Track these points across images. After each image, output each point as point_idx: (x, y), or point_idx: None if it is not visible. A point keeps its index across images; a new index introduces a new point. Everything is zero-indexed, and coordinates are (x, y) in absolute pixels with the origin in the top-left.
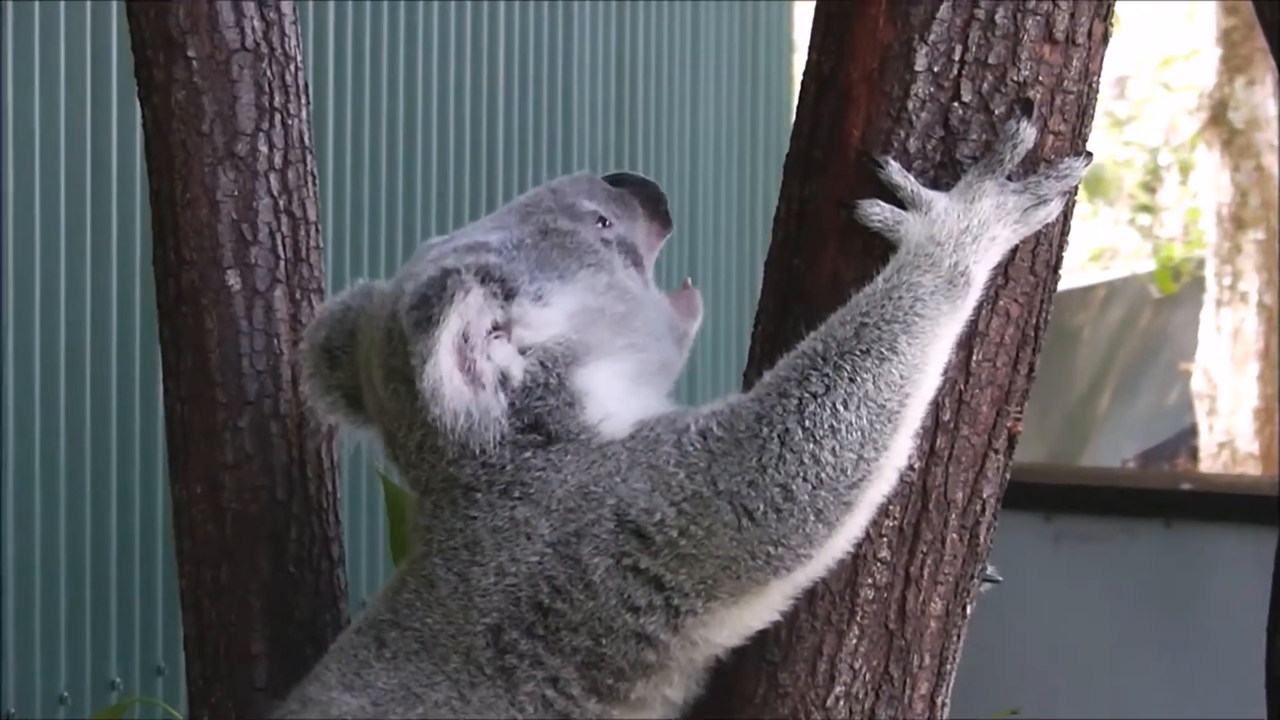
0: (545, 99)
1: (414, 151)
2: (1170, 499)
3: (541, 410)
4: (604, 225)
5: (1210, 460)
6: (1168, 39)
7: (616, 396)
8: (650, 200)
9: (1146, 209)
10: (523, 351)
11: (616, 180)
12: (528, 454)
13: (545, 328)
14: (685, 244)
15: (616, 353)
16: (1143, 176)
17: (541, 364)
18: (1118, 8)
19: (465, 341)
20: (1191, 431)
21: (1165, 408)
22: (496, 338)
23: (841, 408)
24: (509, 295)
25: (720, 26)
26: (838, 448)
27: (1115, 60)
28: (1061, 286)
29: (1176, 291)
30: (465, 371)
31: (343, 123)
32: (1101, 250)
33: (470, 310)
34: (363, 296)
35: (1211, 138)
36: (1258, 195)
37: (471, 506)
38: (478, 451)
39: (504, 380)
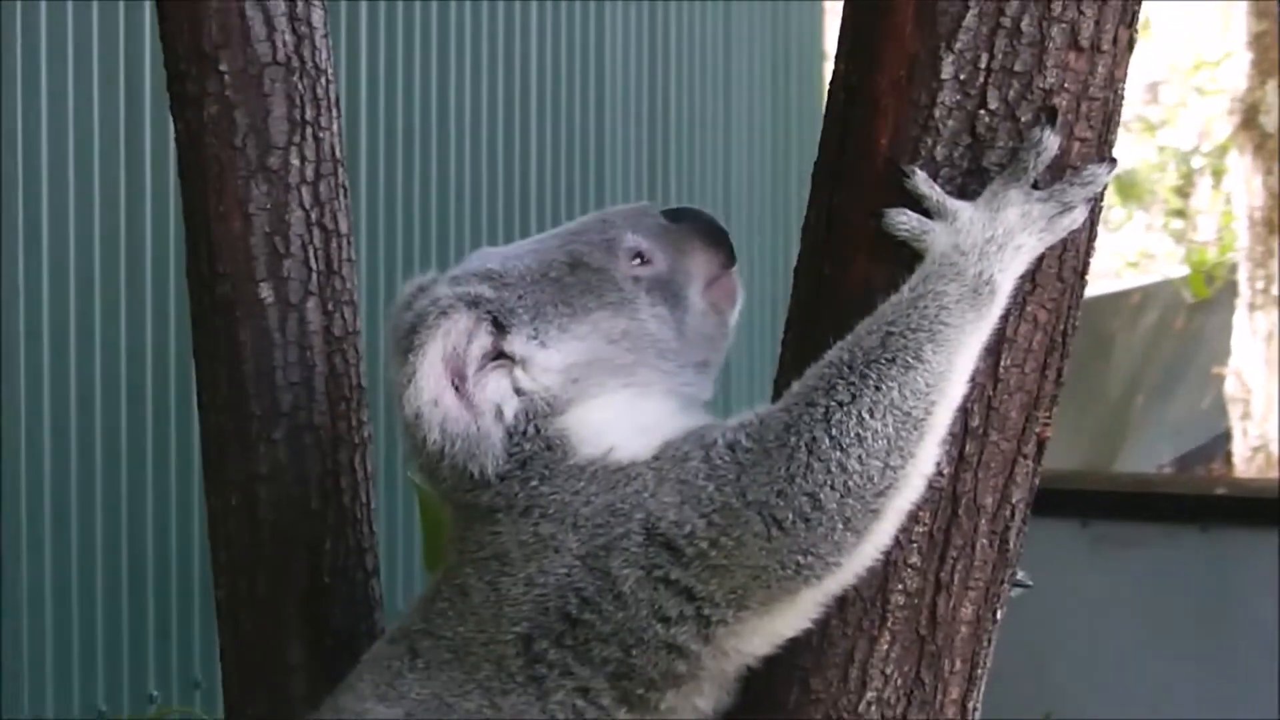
0: (578, 109)
1: (447, 163)
2: (1206, 504)
3: (523, 455)
4: (641, 262)
5: (1245, 464)
6: (1200, 43)
7: (617, 428)
8: (709, 235)
9: (1180, 214)
10: (518, 392)
11: (676, 215)
12: (534, 483)
13: (542, 374)
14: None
15: (611, 391)
16: (1176, 181)
17: (525, 412)
18: (1150, 12)
19: (456, 366)
20: (1227, 436)
21: (1200, 412)
22: (495, 368)
23: (868, 416)
24: (501, 328)
25: (753, 34)
26: (864, 456)
27: (1148, 65)
28: (1095, 292)
29: (1210, 296)
30: (461, 398)
31: (375, 135)
32: (1137, 257)
33: (457, 336)
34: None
35: (1243, 142)
36: None
37: (496, 525)
38: (477, 475)
39: (499, 413)
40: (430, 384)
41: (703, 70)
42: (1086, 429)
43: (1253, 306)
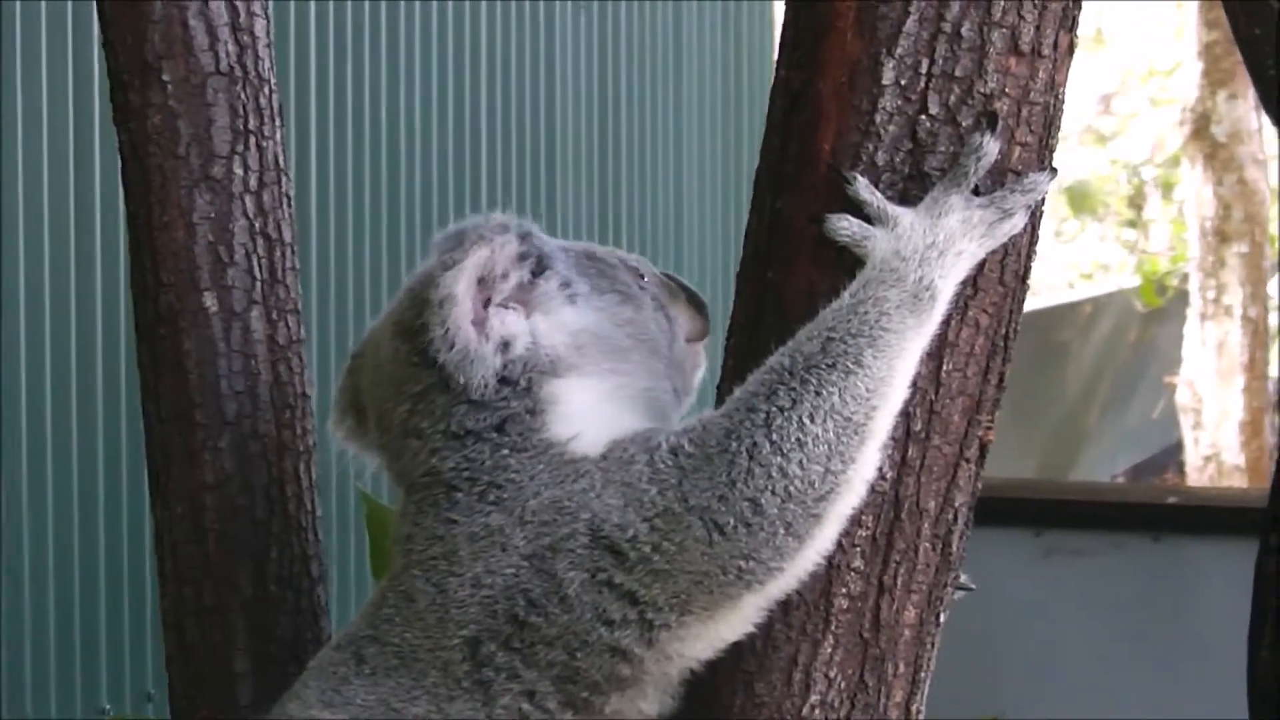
0: (529, 114)
1: (397, 171)
2: (1157, 513)
3: (505, 412)
4: (642, 279)
5: (1196, 474)
6: (1152, 54)
7: (590, 416)
8: (696, 301)
9: (1133, 225)
10: (530, 341)
11: (668, 276)
12: (504, 452)
13: (557, 329)
14: (670, 254)
15: (602, 374)
16: (1129, 192)
17: (527, 361)
18: (1103, 22)
19: (489, 285)
20: (1179, 445)
21: (1153, 421)
22: (513, 309)
23: (808, 421)
24: (539, 271)
25: (703, 34)
26: (805, 461)
27: (1101, 76)
28: (1047, 303)
29: (1162, 306)
30: (477, 318)
31: (320, 143)
32: (1091, 268)
33: (503, 258)
34: None
35: (1194, 152)
36: (1241, 208)
37: (453, 509)
38: (461, 383)
39: (505, 346)
40: (461, 288)
41: (653, 71)
42: (1040, 439)
43: (1204, 316)
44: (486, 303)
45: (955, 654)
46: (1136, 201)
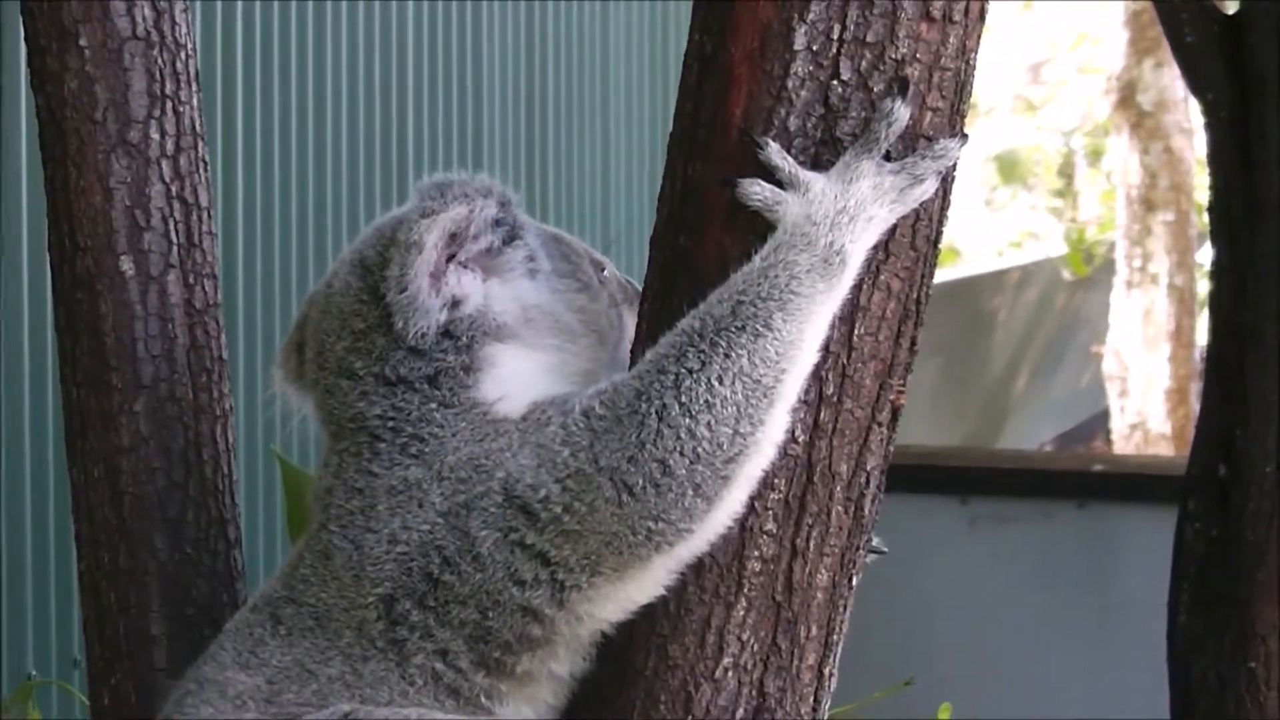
0: (455, 81)
1: (305, 137)
2: (1083, 480)
3: (441, 365)
4: (603, 273)
5: (1123, 442)
6: (1081, 22)
7: (522, 382)
8: None
9: (1061, 193)
10: (481, 303)
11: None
12: (432, 406)
13: (511, 300)
14: (598, 226)
15: (545, 349)
16: (1058, 161)
17: (473, 321)
18: None
19: (458, 242)
20: (1106, 413)
21: (1081, 390)
22: (473, 270)
23: (717, 383)
24: (508, 240)
25: (630, 8)
26: (713, 422)
27: (1030, 45)
28: (975, 271)
29: (1089, 274)
30: (435, 269)
31: (236, 109)
32: (1020, 236)
33: (478, 218)
34: None
35: (1121, 121)
36: (1167, 177)
37: (374, 460)
38: (399, 328)
39: (455, 304)
40: (430, 239)
41: (579, 40)
42: (968, 408)
43: (1130, 285)
44: (451, 258)
45: (881, 620)
46: (1066, 170)
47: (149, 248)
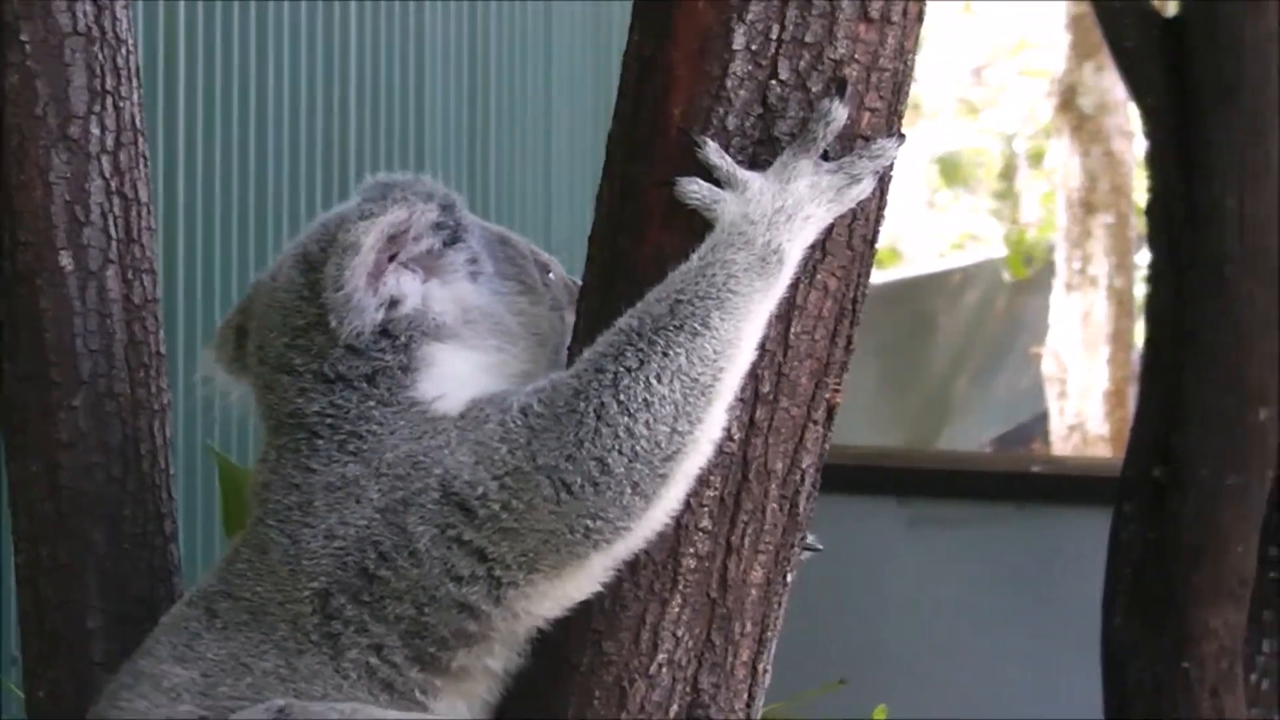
0: (397, 78)
1: (246, 133)
2: (1021, 482)
3: (379, 364)
4: (549, 276)
5: (1061, 443)
6: (1023, 26)
7: (461, 382)
8: None
9: (1003, 196)
10: (422, 300)
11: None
12: (370, 404)
13: (451, 302)
14: (540, 224)
15: (485, 350)
16: (999, 163)
17: (413, 321)
18: None
19: (397, 243)
20: (1046, 415)
21: (1020, 392)
22: (414, 270)
23: (655, 381)
24: (451, 242)
25: (573, 8)
26: (651, 421)
27: (972, 48)
28: (916, 272)
29: (1030, 276)
30: (374, 270)
31: (192, 106)
32: (961, 239)
33: (418, 221)
34: None
35: (1062, 123)
36: (1107, 180)
37: (312, 456)
38: (334, 326)
39: (393, 304)
40: (367, 241)
41: (523, 40)
42: (907, 409)
43: (1069, 287)
44: (393, 257)
45: (819, 620)
46: (1007, 173)
47: (88, 243)
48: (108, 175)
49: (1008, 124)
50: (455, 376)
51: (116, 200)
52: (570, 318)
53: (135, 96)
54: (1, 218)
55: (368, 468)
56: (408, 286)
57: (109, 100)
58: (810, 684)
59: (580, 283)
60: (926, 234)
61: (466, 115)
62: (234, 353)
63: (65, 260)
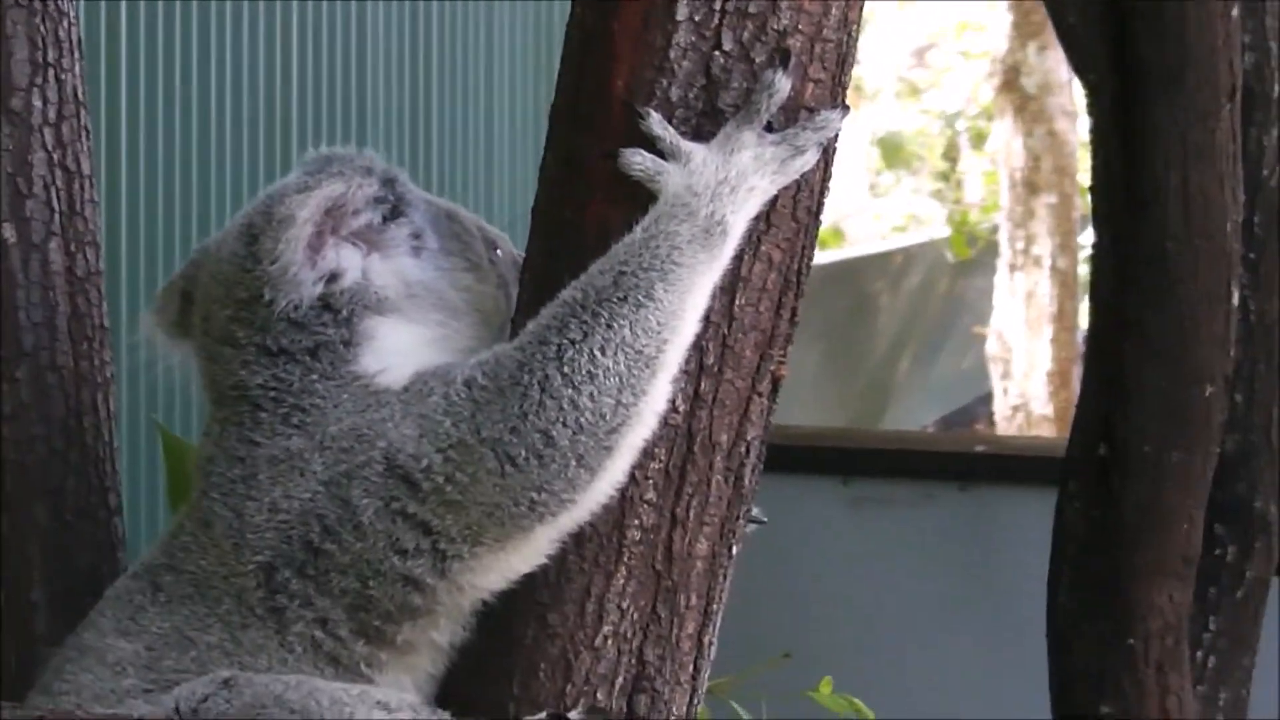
0: (340, 49)
1: (189, 106)
2: (965, 462)
3: (321, 338)
4: (496, 253)
5: (1005, 423)
6: (965, 8)
7: (404, 354)
8: None
9: (946, 177)
10: (362, 274)
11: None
12: (314, 377)
13: (393, 275)
14: (480, 196)
15: (428, 324)
16: (942, 145)
17: (353, 295)
18: None
19: (337, 218)
20: (989, 396)
21: (963, 372)
22: (355, 245)
23: (599, 353)
24: (393, 216)
25: None
26: (596, 393)
27: (915, 30)
28: (858, 253)
29: (972, 257)
30: (313, 244)
31: (135, 78)
32: (904, 220)
33: (357, 195)
34: None
35: (1005, 104)
36: (1050, 160)
37: (256, 429)
38: (270, 299)
39: (333, 278)
40: (303, 214)
41: (464, 14)
42: (851, 390)
43: (1013, 267)
44: (333, 230)
45: (764, 600)
46: (950, 154)
47: (31, 215)
48: (50, 148)
49: (950, 105)
50: (398, 350)
51: (59, 173)
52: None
53: (77, 69)
54: None
55: (311, 441)
56: (347, 260)
57: (51, 73)
58: (754, 660)
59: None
60: (869, 216)
61: (409, 89)
62: (177, 316)
63: (8, 232)
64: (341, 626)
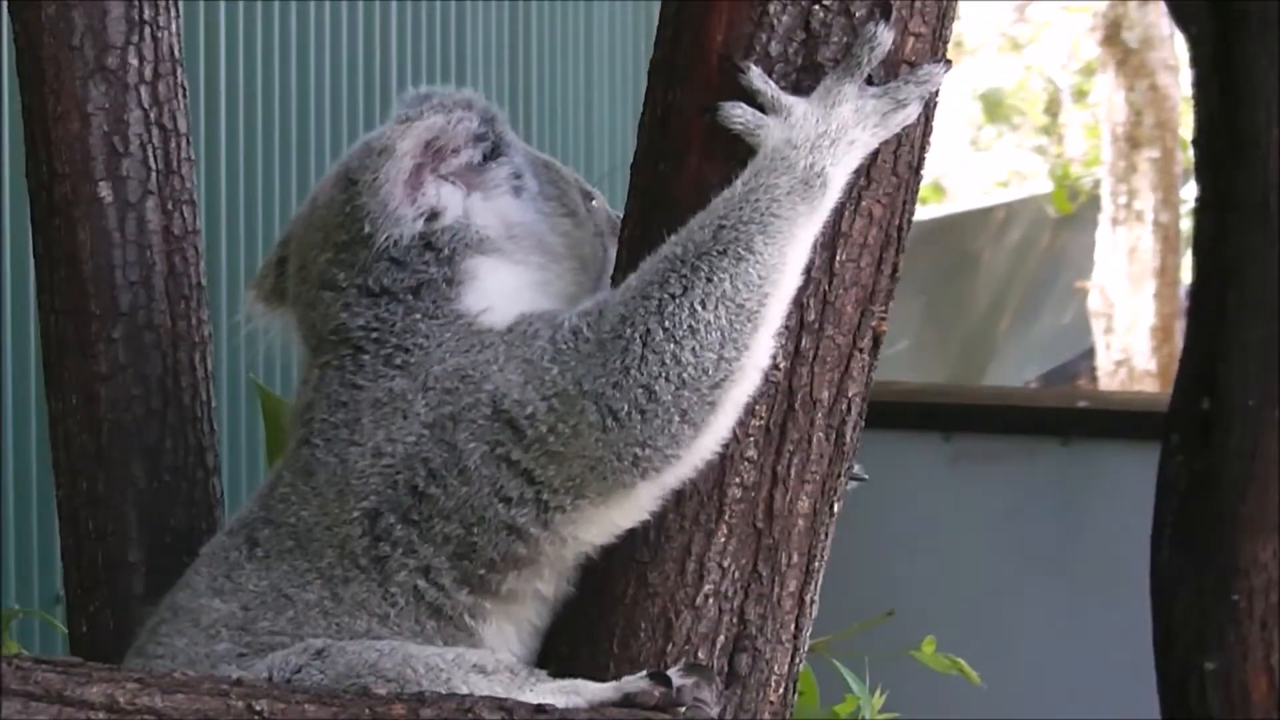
0: (438, 8)
1: (289, 60)
2: (1067, 417)
3: (424, 276)
4: (591, 202)
5: (1108, 378)
6: None
7: (507, 294)
8: None
9: (1047, 132)
10: (464, 214)
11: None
12: (416, 316)
13: (494, 215)
14: (581, 159)
15: (529, 265)
16: (1044, 99)
17: (455, 233)
18: None
19: (438, 152)
20: (1092, 351)
21: (1065, 328)
22: (454, 184)
23: (700, 307)
24: (493, 155)
25: None
26: (698, 348)
27: None
28: (960, 208)
29: (1074, 212)
30: (414, 179)
31: (235, 33)
32: (1007, 175)
33: (458, 130)
34: None
35: (1106, 58)
36: (1152, 114)
37: (358, 372)
38: (370, 234)
39: (434, 215)
40: (403, 146)
41: None
42: (952, 346)
43: (1115, 221)
44: (434, 169)
45: (863, 556)
46: (1051, 108)
47: (127, 174)
48: (146, 106)
49: (1051, 60)
50: (500, 291)
51: (155, 131)
52: (613, 248)
53: (174, 26)
54: (39, 150)
55: (415, 382)
56: (448, 198)
57: (147, 30)
58: (851, 618)
59: (622, 215)
60: (971, 171)
61: (508, 43)
62: (274, 284)
63: (104, 191)
64: (445, 575)
